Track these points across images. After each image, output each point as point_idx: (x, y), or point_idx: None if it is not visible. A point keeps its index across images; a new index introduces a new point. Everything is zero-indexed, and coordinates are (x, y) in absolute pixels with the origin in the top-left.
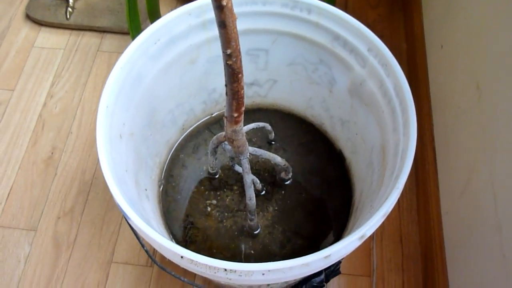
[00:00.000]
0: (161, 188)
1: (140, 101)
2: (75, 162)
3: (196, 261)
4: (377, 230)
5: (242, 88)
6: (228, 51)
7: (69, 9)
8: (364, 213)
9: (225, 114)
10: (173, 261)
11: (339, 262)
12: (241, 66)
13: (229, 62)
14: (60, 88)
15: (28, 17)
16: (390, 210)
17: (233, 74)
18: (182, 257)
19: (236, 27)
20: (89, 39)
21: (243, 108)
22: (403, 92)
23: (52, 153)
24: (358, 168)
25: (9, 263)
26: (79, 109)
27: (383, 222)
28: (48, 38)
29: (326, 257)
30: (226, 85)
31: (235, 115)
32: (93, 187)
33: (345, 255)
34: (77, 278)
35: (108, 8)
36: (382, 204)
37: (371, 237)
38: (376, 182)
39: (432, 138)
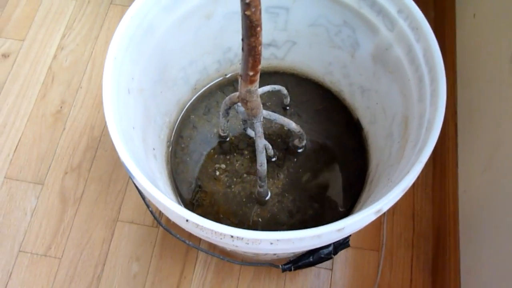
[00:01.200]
0: (170, 149)
1: (151, 55)
2: (84, 117)
3: (202, 226)
4: None
5: (260, 44)
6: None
7: None
8: (380, 186)
9: (240, 72)
10: (178, 224)
11: (349, 235)
12: (260, 18)
13: (247, 13)
14: (71, 40)
15: None
16: (410, 184)
17: (251, 27)
18: (187, 220)
19: None
20: None
21: (259, 66)
22: (434, 59)
23: (61, 107)
24: (376, 139)
25: (15, 215)
26: (90, 63)
27: None
28: None
29: (339, 230)
30: (242, 40)
31: (251, 73)
32: (102, 143)
33: (358, 229)
34: (83, 234)
35: None
36: (402, 178)
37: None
38: (395, 155)
39: (455, 112)
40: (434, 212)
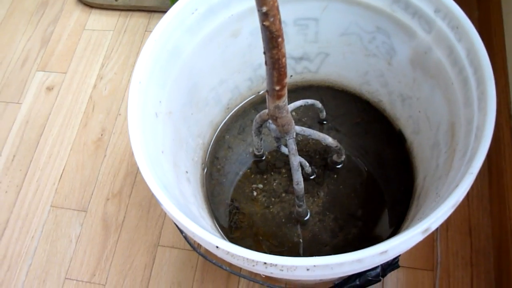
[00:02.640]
0: (205, 171)
1: (178, 77)
2: (123, 143)
3: (233, 253)
4: None
5: (284, 56)
6: (264, 9)
7: None
8: (428, 201)
9: (266, 88)
10: (210, 250)
11: (398, 256)
12: (280, 28)
13: (266, 23)
14: (109, 69)
15: (80, 0)
16: (461, 199)
17: (271, 38)
18: (217, 247)
19: None
20: (137, 20)
21: (285, 80)
22: (479, 59)
23: (101, 135)
24: (421, 150)
25: (61, 242)
26: (127, 91)
27: None
28: (98, 20)
29: (382, 253)
30: (264, 53)
31: (277, 88)
32: None
33: (404, 251)
34: (125, 260)
35: None
36: (451, 193)
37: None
38: (443, 166)
39: (509, 116)
40: (494, 226)
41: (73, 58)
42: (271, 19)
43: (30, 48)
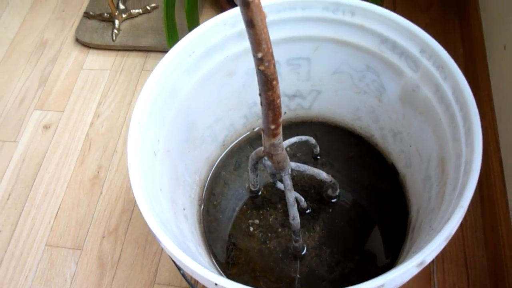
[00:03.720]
0: (202, 207)
1: (175, 116)
2: (119, 180)
3: None
4: None
5: (278, 97)
6: (259, 55)
7: (115, 31)
8: (423, 234)
9: (262, 127)
10: (208, 287)
11: None
12: (275, 72)
13: (261, 68)
14: (106, 107)
15: (78, 40)
16: (453, 232)
17: (266, 81)
18: (216, 284)
19: (266, 27)
20: (134, 59)
21: (280, 120)
22: (464, 96)
23: (98, 172)
24: (413, 183)
25: (56, 281)
26: (124, 128)
27: None
28: (96, 60)
29: (379, 287)
30: (260, 94)
31: (272, 127)
32: (137, 205)
33: (400, 285)
34: None
35: (151, 28)
36: (443, 226)
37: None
38: (435, 199)
39: (498, 148)
40: (489, 257)
41: (70, 96)
42: (266, 64)
43: (28, 87)
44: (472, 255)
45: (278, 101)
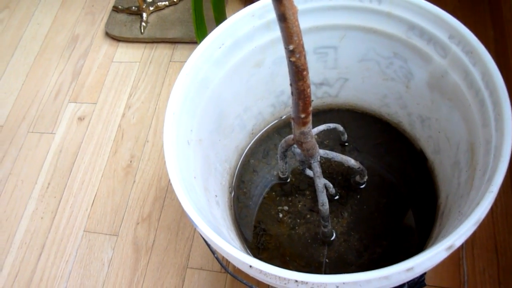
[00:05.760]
0: (232, 195)
1: (206, 107)
2: (151, 169)
3: (266, 272)
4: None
5: (308, 87)
6: (291, 47)
7: (143, 23)
8: (452, 219)
9: (292, 116)
10: (243, 270)
11: (424, 273)
12: (305, 63)
13: (292, 59)
14: (136, 99)
15: (107, 34)
16: (482, 217)
17: (297, 72)
18: (251, 266)
19: (297, 20)
20: (162, 51)
21: (310, 108)
22: (494, 81)
23: (130, 161)
24: (442, 169)
25: (94, 266)
26: (154, 119)
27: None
28: (125, 53)
29: (408, 269)
30: (290, 84)
31: (302, 115)
32: (168, 193)
33: (430, 268)
34: (155, 282)
35: (178, 20)
36: (473, 211)
37: (460, 245)
38: (464, 185)
39: None
40: None
41: (102, 89)
42: (297, 55)
43: (63, 81)
44: (503, 241)
45: (308, 90)
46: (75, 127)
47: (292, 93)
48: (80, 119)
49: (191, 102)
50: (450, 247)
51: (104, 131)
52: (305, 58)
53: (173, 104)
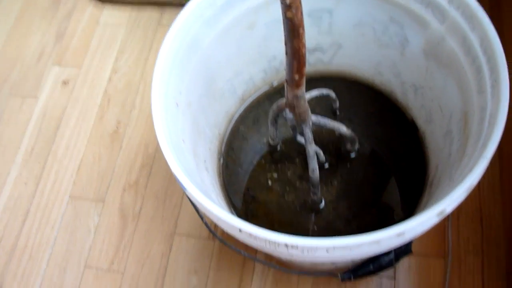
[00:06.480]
0: (221, 161)
1: (196, 69)
2: (138, 136)
3: (255, 235)
4: None
5: (304, 46)
6: (287, 1)
7: None
8: (441, 187)
9: (286, 77)
10: (232, 234)
11: (410, 241)
12: (302, 19)
13: (289, 15)
14: (123, 63)
15: None
16: (475, 183)
17: (293, 29)
18: (240, 230)
19: None
20: (149, 14)
21: (304, 69)
22: (493, 47)
23: (117, 127)
24: (433, 139)
25: (80, 232)
26: (142, 84)
27: None
28: (111, 15)
29: (399, 234)
30: (285, 43)
31: (296, 77)
32: (156, 160)
33: (420, 234)
34: (143, 248)
35: None
36: (465, 177)
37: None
38: (455, 153)
39: None
40: (505, 216)
41: (87, 52)
42: (294, 11)
43: (46, 43)
44: (488, 213)
45: (303, 50)
46: (59, 91)
47: (286, 52)
48: (65, 83)
49: (180, 62)
50: (441, 212)
51: (89, 96)
52: (301, 14)
53: (161, 64)
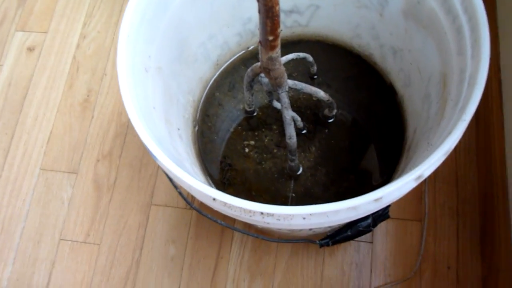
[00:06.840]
0: (196, 129)
1: (166, 31)
2: (110, 104)
3: (230, 204)
4: None
5: (277, 4)
6: None
7: None
8: (419, 152)
9: (259, 39)
10: (206, 203)
11: (388, 206)
12: None
13: None
14: (92, 28)
15: None
16: (453, 146)
17: None
18: (214, 199)
19: None
20: None
21: (279, 30)
22: (474, 6)
23: (88, 96)
24: (411, 103)
25: (54, 204)
26: (112, 50)
27: None
28: None
29: (376, 200)
30: (257, 0)
31: (271, 38)
32: (130, 129)
33: (397, 198)
34: (119, 219)
35: None
36: (444, 140)
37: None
38: (433, 117)
39: (498, 68)
40: (480, 178)
41: (53, 16)
42: None
43: (7, 7)
44: (464, 175)
45: (276, 8)
46: (25, 58)
47: (259, 10)
48: (30, 49)
49: (149, 24)
50: (419, 177)
51: (57, 63)
52: None
53: (127, 26)
